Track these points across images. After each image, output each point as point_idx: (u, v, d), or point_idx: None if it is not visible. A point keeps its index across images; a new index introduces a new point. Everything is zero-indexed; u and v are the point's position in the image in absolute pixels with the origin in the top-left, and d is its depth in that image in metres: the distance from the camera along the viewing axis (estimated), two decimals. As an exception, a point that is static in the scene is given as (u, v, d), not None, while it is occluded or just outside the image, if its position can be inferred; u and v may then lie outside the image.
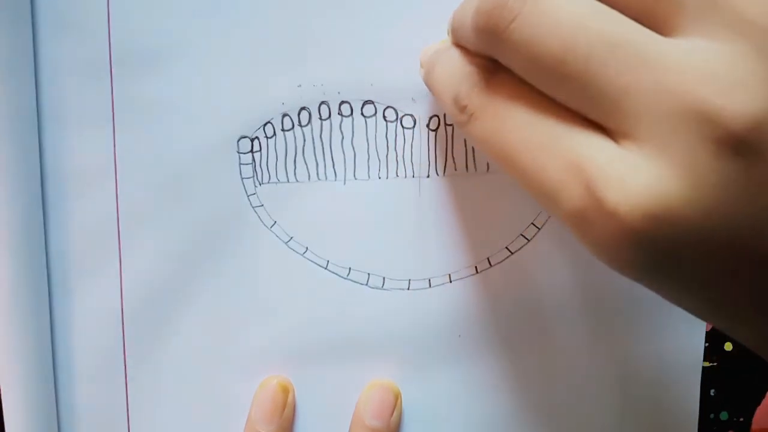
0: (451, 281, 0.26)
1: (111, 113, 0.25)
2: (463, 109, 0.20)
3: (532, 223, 0.26)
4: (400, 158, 0.26)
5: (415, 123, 0.25)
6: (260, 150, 0.25)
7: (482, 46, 0.19)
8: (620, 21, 0.17)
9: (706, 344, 0.28)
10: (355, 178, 0.26)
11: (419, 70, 0.24)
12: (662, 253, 0.16)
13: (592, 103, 0.17)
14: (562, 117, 0.18)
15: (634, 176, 0.16)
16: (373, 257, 0.26)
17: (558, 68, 0.17)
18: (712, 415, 0.29)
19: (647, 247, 0.16)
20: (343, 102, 0.25)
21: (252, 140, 0.25)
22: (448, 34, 0.22)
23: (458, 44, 0.21)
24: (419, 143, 0.26)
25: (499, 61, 0.19)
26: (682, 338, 0.27)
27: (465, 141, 0.26)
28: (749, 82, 0.15)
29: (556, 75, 0.17)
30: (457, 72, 0.20)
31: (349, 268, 0.26)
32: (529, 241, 0.26)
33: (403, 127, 0.25)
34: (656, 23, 0.17)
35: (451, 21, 0.22)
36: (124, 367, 0.26)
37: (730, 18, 0.16)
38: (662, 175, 0.16)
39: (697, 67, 0.16)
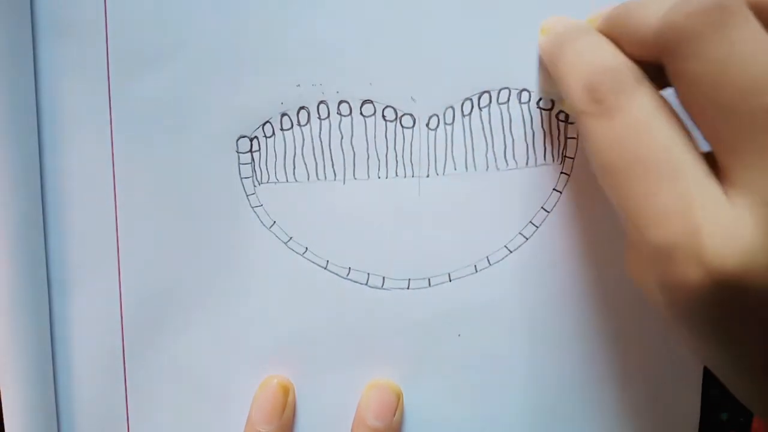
0: (450, 280, 0.26)
1: (109, 114, 0.25)
2: (598, 101, 0.19)
3: (531, 222, 0.26)
4: (399, 158, 0.26)
5: (414, 122, 0.25)
6: (259, 150, 0.25)
7: (662, 41, 0.18)
8: None
9: (707, 343, 0.27)
10: (355, 178, 0.26)
11: (539, 35, 0.24)
12: (732, 313, 0.17)
13: (734, 147, 0.17)
14: (689, 149, 0.18)
15: (739, 233, 0.17)
16: (373, 257, 0.26)
17: (729, 102, 0.17)
18: (713, 416, 0.29)
19: (722, 302, 0.17)
20: (342, 101, 0.25)
21: (251, 140, 0.25)
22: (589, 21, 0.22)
23: (607, 34, 0.21)
24: (418, 143, 0.26)
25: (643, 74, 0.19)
26: None
27: (464, 140, 0.26)
28: None
29: (722, 105, 0.17)
30: (603, 62, 0.20)
31: (349, 268, 0.26)
32: (528, 239, 0.26)
33: (402, 126, 0.25)
34: None
35: (613, 10, 0.21)
36: (123, 367, 0.26)
37: None
38: (763, 242, 0.17)
39: None
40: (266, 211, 0.26)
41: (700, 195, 0.17)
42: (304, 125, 0.25)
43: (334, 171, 0.26)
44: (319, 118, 0.25)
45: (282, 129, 0.25)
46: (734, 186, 0.18)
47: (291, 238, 0.26)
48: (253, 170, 0.26)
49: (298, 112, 0.25)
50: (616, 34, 0.21)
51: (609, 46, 0.20)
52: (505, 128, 0.25)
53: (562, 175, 0.26)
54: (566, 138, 0.26)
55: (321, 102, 0.25)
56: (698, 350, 0.20)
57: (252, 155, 0.26)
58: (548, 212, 0.26)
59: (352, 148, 0.26)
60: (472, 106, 0.25)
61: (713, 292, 0.17)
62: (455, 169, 0.26)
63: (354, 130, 0.25)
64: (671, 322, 0.19)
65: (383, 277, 0.26)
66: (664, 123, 0.18)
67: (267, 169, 0.26)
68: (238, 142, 0.25)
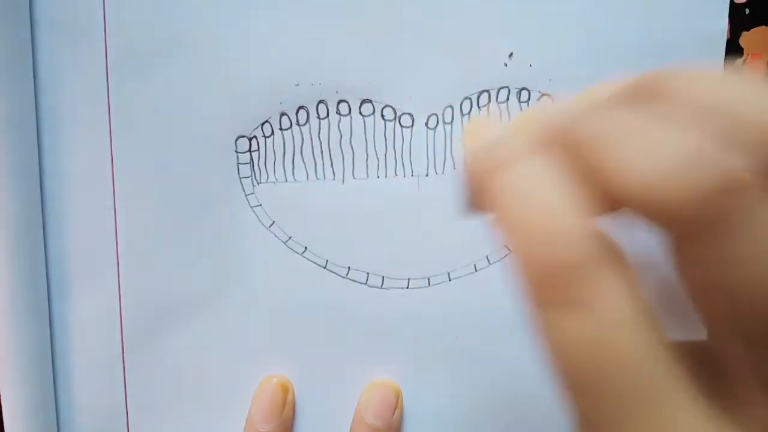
0: (450, 280, 0.26)
1: (107, 115, 0.25)
2: (556, 286, 0.13)
3: (532, 222, 0.26)
4: (398, 157, 0.26)
5: (413, 122, 0.25)
6: (258, 149, 0.25)
7: (691, 216, 0.12)
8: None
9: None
10: (354, 178, 0.26)
11: (462, 137, 0.18)
12: None
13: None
14: (669, 357, 0.14)
15: None
16: (372, 256, 0.26)
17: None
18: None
19: None
20: (341, 101, 0.25)
21: (250, 140, 0.25)
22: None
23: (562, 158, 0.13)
24: (418, 142, 0.25)
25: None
26: (683, 337, 0.27)
27: (463, 139, 0.25)
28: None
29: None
30: (557, 226, 0.13)
31: (348, 268, 0.26)
32: (528, 239, 0.26)
33: (401, 125, 0.25)
34: None
35: (570, 122, 0.13)
36: (123, 368, 0.26)
37: None
38: None
39: None
40: (265, 211, 0.26)
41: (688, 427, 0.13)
42: (303, 125, 0.25)
43: (333, 170, 0.26)
44: (318, 117, 0.25)
45: (281, 128, 0.25)
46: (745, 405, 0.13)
47: (290, 237, 0.26)
48: (252, 170, 0.26)
49: (297, 112, 0.25)
50: (580, 167, 0.13)
51: (562, 195, 0.13)
52: (504, 127, 0.25)
53: (562, 174, 0.26)
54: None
55: (320, 101, 0.25)
56: None
57: (251, 155, 0.25)
58: (548, 212, 0.26)
59: (351, 147, 0.26)
60: (471, 105, 0.25)
61: None
62: (454, 168, 0.26)
63: (353, 129, 0.25)
64: None
65: (383, 277, 0.26)
66: (642, 319, 0.13)
67: (266, 168, 0.26)
68: (237, 141, 0.25)
